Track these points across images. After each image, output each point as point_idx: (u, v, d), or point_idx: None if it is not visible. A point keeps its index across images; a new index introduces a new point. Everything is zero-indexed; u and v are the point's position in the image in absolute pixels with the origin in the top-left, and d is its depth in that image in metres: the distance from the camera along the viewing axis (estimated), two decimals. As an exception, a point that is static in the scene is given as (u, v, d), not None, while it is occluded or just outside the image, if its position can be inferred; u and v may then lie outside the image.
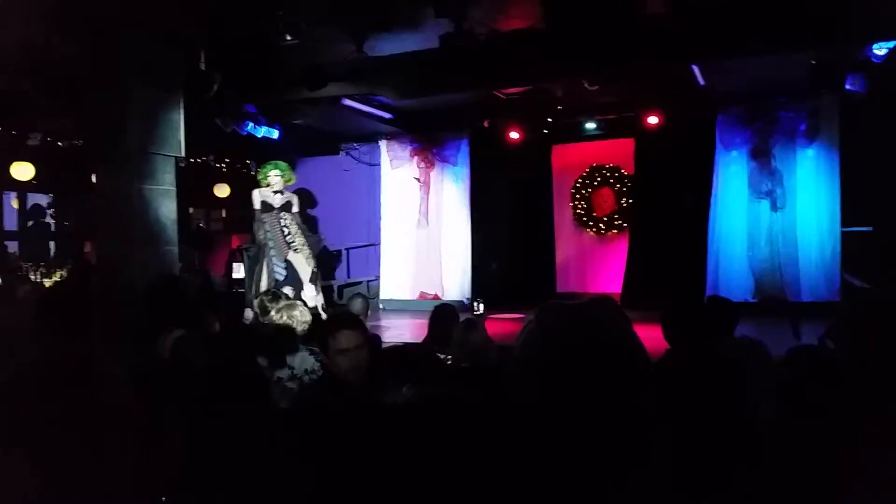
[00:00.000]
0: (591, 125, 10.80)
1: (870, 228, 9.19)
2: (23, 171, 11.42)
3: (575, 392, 1.32)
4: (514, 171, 11.76)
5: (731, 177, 10.31)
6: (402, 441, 1.49)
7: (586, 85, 8.85)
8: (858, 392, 2.25)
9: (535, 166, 11.97)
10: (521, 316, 9.34)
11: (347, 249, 12.75)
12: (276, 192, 9.09)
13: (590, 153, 12.10)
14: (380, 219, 12.31)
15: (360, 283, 12.34)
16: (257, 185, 9.44)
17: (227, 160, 13.53)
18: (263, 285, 8.63)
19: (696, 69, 8.33)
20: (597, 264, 12.30)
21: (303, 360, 4.13)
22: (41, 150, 11.42)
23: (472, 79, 8.07)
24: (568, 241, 12.44)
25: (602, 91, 9.17)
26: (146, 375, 2.94)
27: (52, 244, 13.72)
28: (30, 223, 13.58)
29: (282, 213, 9.05)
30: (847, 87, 7.70)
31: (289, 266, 8.89)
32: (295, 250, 8.93)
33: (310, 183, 12.19)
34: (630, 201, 11.74)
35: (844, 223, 9.57)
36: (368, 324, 4.49)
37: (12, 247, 12.71)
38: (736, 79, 9.02)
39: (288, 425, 2.56)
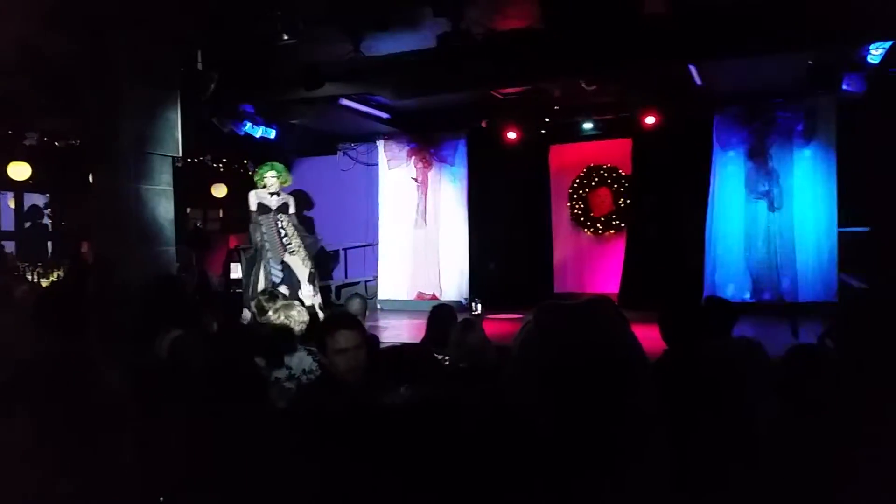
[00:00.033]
0: (588, 125, 10.80)
1: (867, 229, 9.21)
2: (19, 170, 11.40)
3: (573, 392, 1.32)
4: (512, 172, 11.76)
5: (729, 177, 10.32)
6: (401, 441, 1.48)
7: (584, 85, 8.87)
8: (856, 392, 2.25)
9: (533, 166, 11.97)
10: (519, 316, 9.34)
11: (345, 249, 12.74)
12: (272, 194, 9.07)
13: (587, 153, 12.10)
14: (377, 219, 12.31)
15: (357, 283, 12.35)
16: (254, 186, 9.43)
17: (224, 160, 13.52)
18: (261, 287, 8.62)
19: (693, 69, 8.34)
20: (594, 264, 12.31)
21: (301, 361, 4.13)
22: (38, 150, 11.40)
23: (470, 79, 8.06)
24: (565, 242, 12.44)
25: (599, 91, 9.18)
26: (143, 375, 2.93)
27: (49, 244, 13.71)
28: (27, 224, 13.56)
29: (278, 215, 9.04)
30: (844, 87, 7.71)
31: (286, 268, 8.89)
32: (291, 252, 8.93)
33: (307, 183, 12.19)
34: (627, 201, 11.75)
35: (841, 223, 9.59)
36: (366, 324, 4.49)
37: (9, 247, 12.69)
38: (733, 79, 9.03)
39: (286, 425, 2.55)
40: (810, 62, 7.77)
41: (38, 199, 13.87)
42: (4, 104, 8.80)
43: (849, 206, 9.46)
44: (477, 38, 6.83)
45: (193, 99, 7.42)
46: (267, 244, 8.90)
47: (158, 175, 6.80)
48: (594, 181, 12.23)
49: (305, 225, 10.62)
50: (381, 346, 5.28)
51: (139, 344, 4.25)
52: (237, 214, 12.48)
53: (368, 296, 11.10)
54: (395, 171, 12.19)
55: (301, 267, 8.93)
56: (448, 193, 11.94)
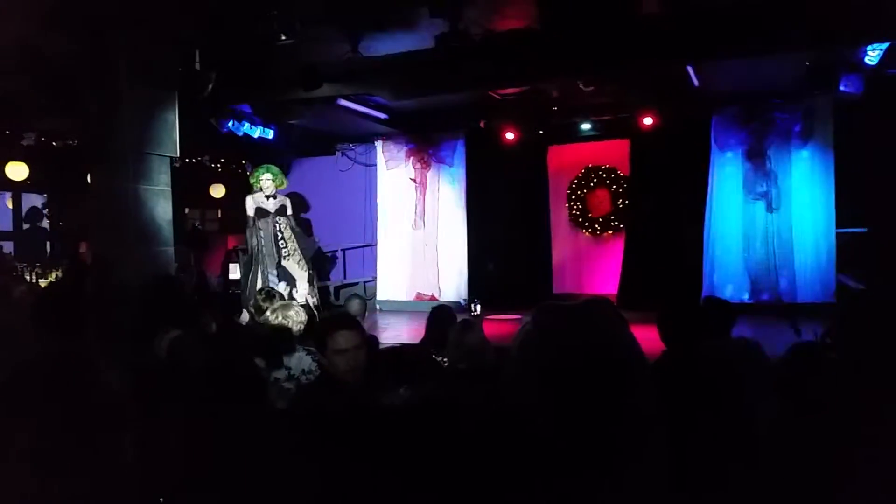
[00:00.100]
0: (586, 126, 10.79)
1: (865, 230, 9.22)
2: (17, 171, 11.39)
3: (572, 392, 1.32)
4: (510, 172, 11.75)
5: (727, 178, 10.32)
6: (400, 441, 1.49)
7: (582, 86, 8.86)
8: (855, 393, 2.26)
9: (531, 167, 11.96)
10: (518, 317, 9.35)
11: (343, 250, 12.73)
12: (268, 197, 9.06)
13: (585, 154, 12.09)
14: (376, 219, 12.30)
15: (356, 283, 12.34)
16: (249, 190, 9.40)
17: (222, 160, 13.52)
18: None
19: (690, 70, 8.34)
20: (593, 265, 12.30)
21: (300, 361, 4.13)
22: (36, 150, 11.40)
23: (468, 79, 8.05)
24: (564, 242, 12.43)
25: (597, 92, 9.18)
26: (142, 376, 2.93)
27: (47, 245, 13.69)
28: (26, 226, 13.55)
29: (277, 217, 9.02)
30: (842, 88, 7.72)
31: (283, 272, 8.87)
32: (286, 256, 8.91)
33: (305, 183, 12.18)
34: (626, 202, 11.75)
35: (839, 224, 9.60)
36: (365, 325, 4.49)
37: (7, 247, 12.68)
38: (731, 80, 9.03)
39: (285, 426, 2.56)
40: (808, 63, 7.79)
41: (36, 200, 13.85)
42: (3, 104, 8.79)
43: (847, 207, 9.47)
44: (475, 39, 6.83)
45: (191, 99, 7.42)
46: (264, 249, 8.89)
47: (157, 175, 6.80)
48: (592, 182, 12.23)
49: (303, 226, 10.61)
50: (381, 346, 5.29)
51: (138, 344, 4.25)
52: (235, 215, 12.48)
53: (367, 296, 11.09)
54: (393, 171, 12.18)
55: (298, 270, 8.93)
56: (446, 194, 11.93)
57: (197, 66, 7.46)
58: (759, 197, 10.13)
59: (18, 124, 10.82)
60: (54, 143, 11.54)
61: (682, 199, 10.51)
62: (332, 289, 11.95)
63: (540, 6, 6.45)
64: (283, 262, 8.88)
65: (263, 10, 6.40)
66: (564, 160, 12.17)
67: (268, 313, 4.55)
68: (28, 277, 9.97)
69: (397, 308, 11.69)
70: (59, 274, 10.13)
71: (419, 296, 11.91)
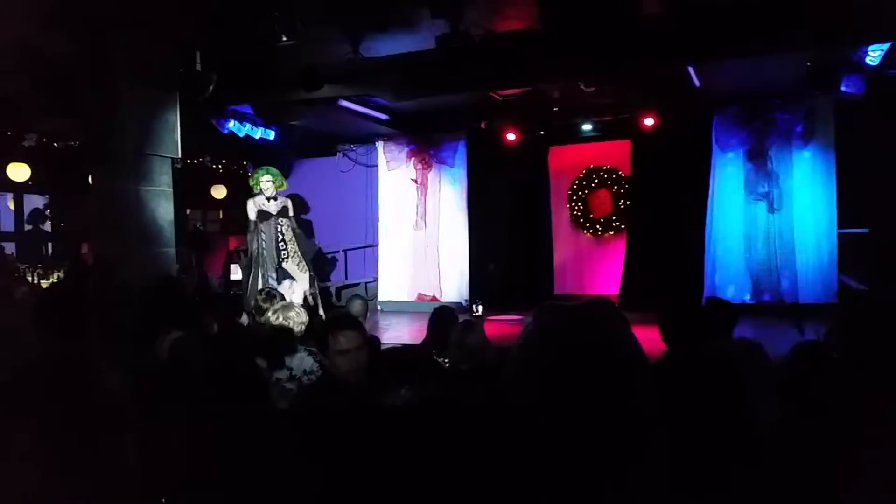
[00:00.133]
0: (587, 127, 10.79)
1: (866, 230, 9.22)
2: (19, 172, 11.41)
3: (573, 393, 1.32)
4: (512, 173, 11.76)
5: (728, 178, 10.32)
6: (401, 442, 1.49)
7: (583, 86, 8.86)
8: (857, 393, 2.26)
9: (532, 168, 11.96)
10: (520, 317, 9.35)
11: (345, 251, 12.74)
12: (269, 199, 9.05)
13: (586, 155, 12.09)
14: (377, 220, 12.31)
15: (357, 284, 12.35)
16: (250, 192, 9.39)
17: (223, 161, 13.53)
18: (258, 292, 8.62)
19: (691, 70, 8.34)
20: (594, 266, 12.30)
21: (301, 361, 4.14)
22: (37, 151, 11.42)
23: (469, 80, 8.06)
24: (565, 243, 12.43)
25: (598, 92, 9.18)
26: (144, 377, 2.94)
27: (49, 246, 13.71)
28: (29, 227, 13.57)
29: (279, 219, 9.02)
30: (843, 88, 7.72)
31: (283, 273, 8.87)
32: (286, 258, 8.91)
33: (307, 184, 12.19)
34: (627, 203, 11.75)
35: (841, 225, 9.59)
36: (366, 325, 4.50)
37: (9, 248, 12.69)
38: (732, 80, 9.03)
39: (287, 426, 2.56)
40: (809, 63, 7.78)
41: (38, 201, 13.87)
42: (4, 104, 8.80)
43: (848, 208, 9.46)
44: (476, 40, 6.83)
45: (193, 100, 7.42)
46: (265, 252, 8.89)
47: (158, 176, 6.81)
48: (594, 182, 12.23)
49: (304, 227, 10.61)
50: (382, 347, 5.29)
51: (139, 345, 4.25)
52: (237, 216, 12.50)
53: (368, 297, 11.10)
54: (394, 172, 12.19)
55: (298, 271, 8.93)
56: (448, 195, 11.94)
57: (198, 66, 7.47)
58: (761, 197, 10.12)
59: (20, 125, 10.83)
60: (56, 145, 11.56)
61: (684, 199, 10.51)
62: (333, 290, 11.96)
63: (541, 7, 6.45)
64: (283, 265, 8.88)
65: (264, 11, 6.41)
66: (565, 161, 12.17)
67: (269, 314, 4.55)
68: (30, 278, 9.99)
69: (398, 309, 11.70)
70: (61, 275, 10.15)
71: (420, 296, 11.91)
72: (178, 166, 7.32)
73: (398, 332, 9.24)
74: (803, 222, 9.89)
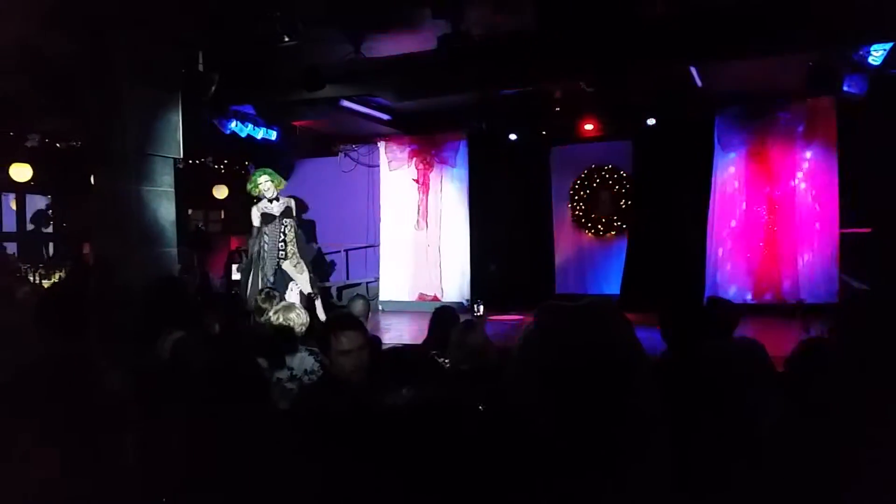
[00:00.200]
0: (589, 126, 10.80)
1: (868, 230, 9.21)
2: (21, 172, 11.42)
3: (574, 393, 1.32)
4: (513, 173, 11.77)
5: (730, 178, 10.32)
6: (402, 442, 1.49)
7: (584, 86, 8.85)
8: (858, 393, 2.25)
9: (534, 168, 11.97)
10: (521, 318, 9.35)
11: (346, 251, 12.74)
12: (271, 201, 9.02)
13: (588, 154, 12.10)
14: (378, 220, 12.31)
15: (359, 284, 12.35)
16: (250, 199, 9.34)
17: (225, 162, 13.54)
18: (258, 293, 8.61)
19: (693, 70, 8.33)
20: (596, 266, 12.30)
21: (302, 361, 4.13)
22: (39, 152, 11.43)
23: (471, 80, 8.06)
24: (567, 243, 12.44)
25: (600, 92, 9.17)
26: (146, 377, 2.94)
27: (51, 246, 13.73)
28: (31, 227, 13.58)
29: (283, 220, 9.00)
30: (845, 88, 7.71)
31: (282, 274, 8.85)
32: (284, 259, 8.90)
33: (308, 184, 12.19)
34: (629, 203, 11.74)
35: (843, 224, 9.58)
36: (367, 325, 4.49)
37: (11, 248, 12.71)
38: (734, 80, 9.02)
39: (288, 426, 2.56)
40: (811, 63, 7.77)
41: (40, 201, 13.89)
42: (5, 105, 8.81)
43: (850, 208, 9.46)
44: (477, 40, 6.83)
45: (195, 100, 7.43)
46: (266, 254, 8.88)
47: (160, 176, 6.80)
48: (595, 182, 12.23)
49: (307, 227, 10.61)
50: (383, 347, 5.29)
51: (141, 345, 4.26)
52: (238, 216, 12.50)
53: (370, 297, 11.10)
54: (396, 172, 12.20)
55: (296, 273, 8.92)
56: (449, 194, 11.94)
57: (200, 67, 7.46)
58: (763, 197, 10.11)
59: (22, 126, 10.84)
60: (58, 145, 11.57)
61: (685, 199, 10.51)
62: (334, 290, 11.96)
63: (542, 7, 6.44)
64: (282, 265, 8.88)
65: (266, 12, 6.41)
66: (567, 160, 12.17)
67: (269, 314, 4.55)
68: (31, 278, 10.00)
69: (400, 309, 11.70)
70: (63, 275, 10.16)
71: (422, 296, 11.91)
72: (180, 166, 7.31)
73: (399, 332, 9.25)
74: (805, 222, 9.88)
